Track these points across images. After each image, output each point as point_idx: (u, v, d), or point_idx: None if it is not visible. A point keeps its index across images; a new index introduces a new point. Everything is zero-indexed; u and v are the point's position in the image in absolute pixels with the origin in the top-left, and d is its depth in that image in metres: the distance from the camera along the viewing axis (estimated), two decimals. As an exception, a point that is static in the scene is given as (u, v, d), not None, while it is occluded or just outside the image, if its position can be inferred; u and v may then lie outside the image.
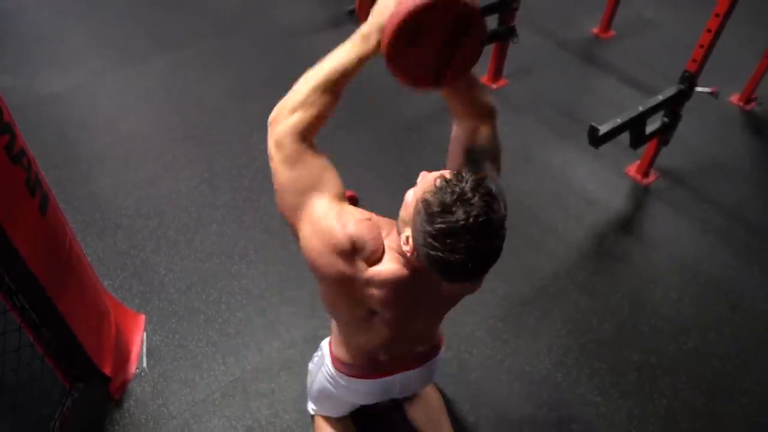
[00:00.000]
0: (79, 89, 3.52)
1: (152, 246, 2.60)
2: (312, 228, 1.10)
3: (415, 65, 1.11)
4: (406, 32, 1.03)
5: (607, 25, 4.08)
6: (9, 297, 1.54)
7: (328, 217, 1.09)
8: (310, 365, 1.80)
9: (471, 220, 0.92)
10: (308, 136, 1.13)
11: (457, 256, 0.93)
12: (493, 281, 2.50)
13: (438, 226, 0.93)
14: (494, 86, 3.63)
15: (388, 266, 1.12)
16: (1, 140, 1.34)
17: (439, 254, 0.94)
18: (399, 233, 1.08)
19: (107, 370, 1.97)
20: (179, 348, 2.24)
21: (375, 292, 1.13)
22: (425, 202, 0.96)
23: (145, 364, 2.18)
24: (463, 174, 0.96)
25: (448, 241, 0.92)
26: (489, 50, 3.54)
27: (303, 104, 1.12)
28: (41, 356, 1.74)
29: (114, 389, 2.06)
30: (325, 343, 1.65)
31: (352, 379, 1.52)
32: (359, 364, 1.47)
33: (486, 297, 2.44)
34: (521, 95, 3.60)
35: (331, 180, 1.14)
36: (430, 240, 0.94)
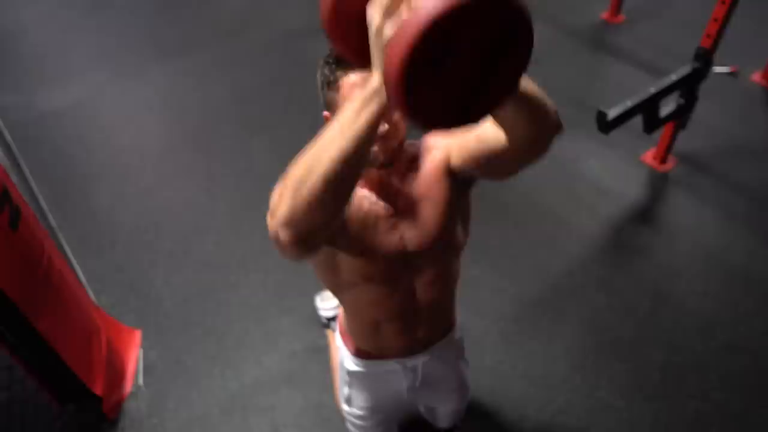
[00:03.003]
0: (78, 105, 3.49)
1: (149, 260, 2.53)
2: None
3: (442, 103, 0.69)
4: (423, 58, 0.62)
5: (617, 9, 3.92)
6: (-19, 317, 1.47)
7: None
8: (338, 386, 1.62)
9: None
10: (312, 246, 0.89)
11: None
12: (503, 280, 2.37)
13: (324, 59, 1.01)
14: (500, 78, 3.50)
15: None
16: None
17: (327, 60, 1.00)
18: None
19: (98, 390, 1.88)
20: (176, 363, 2.15)
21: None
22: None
23: (141, 382, 2.10)
24: None
25: (329, 51, 0.99)
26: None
27: (297, 215, 0.80)
28: (21, 378, 1.66)
29: (108, 409, 1.98)
30: (338, 340, 1.51)
31: (369, 362, 1.40)
32: (372, 346, 1.36)
33: (496, 298, 2.31)
34: (529, 86, 3.46)
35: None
36: (325, 71, 1.01)
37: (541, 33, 3.45)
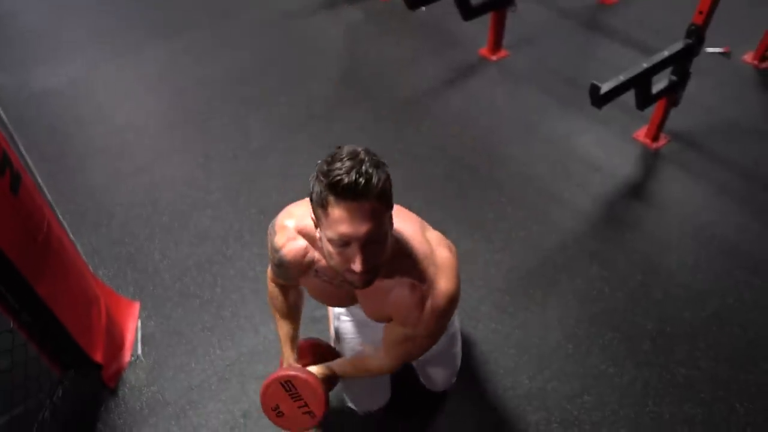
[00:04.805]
0: (73, 83, 3.48)
1: (146, 233, 2.54)
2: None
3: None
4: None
5: (611, -10, 3.94)
6: (-17, 280, 1.48)
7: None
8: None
9: (346, 163, 0.98)
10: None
11: (337, 172, 0.97)
12: (498, 253, 2.40)
13: (321, 175, 1.01)
14: (494, 58, 3.52)
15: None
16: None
17: (322, 179, 1.00)
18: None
19: (98, 358, 1.90)
20: (174, 334, 2.17)
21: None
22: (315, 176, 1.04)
23: (139, 351, 2.12)
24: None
25: (327, 168, 0.99)
26: (487, 21, 3.43)
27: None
28: (23, 343, 1.68)
29: (108, 377, 2.00)
30: None
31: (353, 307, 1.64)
32: None
33: (490, 269, 2.34)
34: (523, 66, 3.48)
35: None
36: (318, 187, 1.02)
37: (536, 13, 3.51)
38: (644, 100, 2.50)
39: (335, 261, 1.08)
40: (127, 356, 2.10)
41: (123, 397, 2.00)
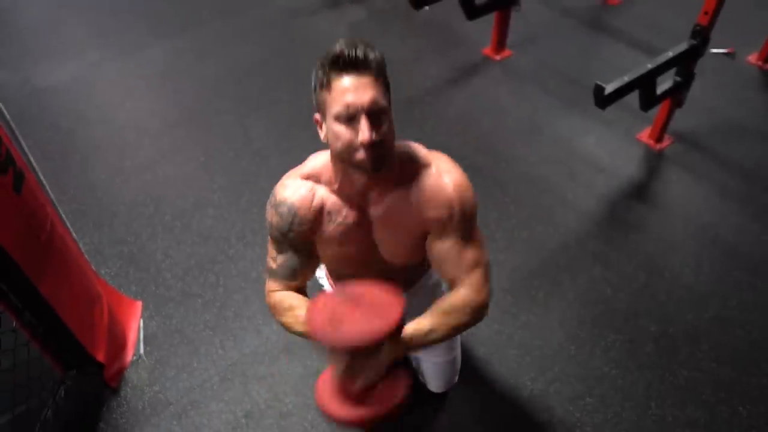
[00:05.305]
0: (75, 81, 3.48)
1: (149, 232, 2.54)
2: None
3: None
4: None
5: (615, -10, 3.93)
6: (-14, 279, 1.48)
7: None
8: None
9: (344, 43, 1.07)
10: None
11: (336, 48, 1.06)
12: (501, 253, 2.40)
13: (321, 61, 1.09)
14: (498, 57, 3.51)
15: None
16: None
17: (323, 62, 1.08)
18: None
19: (100, 357, 1.90)
20: (176, 333, 2.17)
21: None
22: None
23: (142, 351, 2.12)
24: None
25: (327, 53, 1.07)
26: (491, 21, 3.42)
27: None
28: (26, 343, 1.68)
29: (110, 377, 2.00)
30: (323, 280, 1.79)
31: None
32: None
33: (493, 270, 2.33)
34: (526, 65, 3.48)
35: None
36: (320, 72, 1.09)
37: (540, 13, 3.50)
38: (648, 101, 2.49)
39: (343, 139, 1.08)
40: (129, 356, 2.10)
41: (125, 397, 2.00)
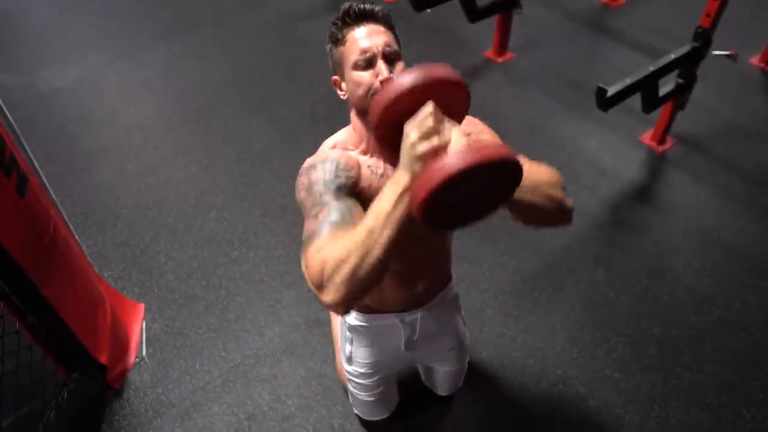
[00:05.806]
0: (79, 85, 3.50)
1: (152, 235, 2.54)
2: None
3: (451, 217, 0.93)
4: (440, 199, 0.84)
5: (617, -8, 3.93)
6: (-10, 282, 1.48)
7: None
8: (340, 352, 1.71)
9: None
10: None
11: (345, 5, 1.13)
12: (503, 256, 2.40)
13: (333, 22, 1.15)
14: (500, 60, 3.51)
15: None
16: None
17: (335, 21, 1.14)
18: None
19: (103, 359, 1.91)
20: (179, 336, 2.18)
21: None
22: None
23: (144, 353, 2.13)
24: None
25: (341, 12, 1.13)
26: (493, 23, 3.43)
27: (353, 296, 0.95)
28: (28, 345, 1.68)
29: (113, 379, 2.00)
30: None
31: (369, 316, 1.46)
32: (373, 299, 1.41)
33: (495, 273, 2.34)
34: (528, 68, 3.48)
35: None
36: (333, 30, 1.14)
37: (542, 16, 3.50)
38: (651, 103, 2.49)
39: (364, 84, 1.09)
40: (131, 358, 2.10)
41: (127, 399, 2.00)
